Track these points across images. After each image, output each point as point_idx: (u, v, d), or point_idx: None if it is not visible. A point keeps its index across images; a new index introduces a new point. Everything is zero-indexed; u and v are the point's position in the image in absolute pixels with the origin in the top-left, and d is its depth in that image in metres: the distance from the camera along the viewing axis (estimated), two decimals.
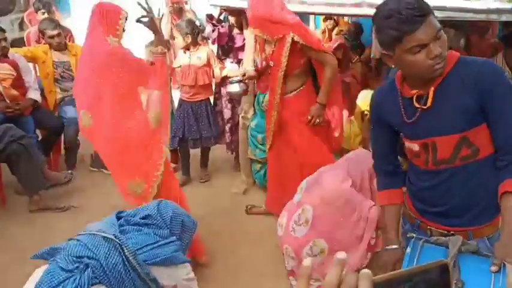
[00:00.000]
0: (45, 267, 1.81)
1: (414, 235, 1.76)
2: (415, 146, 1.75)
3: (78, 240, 1.86)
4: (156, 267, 1.91)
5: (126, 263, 1.80)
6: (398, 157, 2.02)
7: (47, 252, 1.88)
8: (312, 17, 5.48)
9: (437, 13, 2.26)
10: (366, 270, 0.59)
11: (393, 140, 1.90)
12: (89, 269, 1.75)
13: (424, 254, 1.69)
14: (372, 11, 3.09)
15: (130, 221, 2.02)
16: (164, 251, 1.95)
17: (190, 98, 4.34)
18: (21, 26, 6.05)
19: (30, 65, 4.67)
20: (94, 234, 1.86)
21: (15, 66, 4.23)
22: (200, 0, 6.19)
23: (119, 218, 2.05)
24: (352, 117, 4.54)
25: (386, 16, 1.54)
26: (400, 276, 0.61)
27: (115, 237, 1.82)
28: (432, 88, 1.62)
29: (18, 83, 4.26)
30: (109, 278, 1.77)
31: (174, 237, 2.05)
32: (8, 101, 4.12)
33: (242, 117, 4.19)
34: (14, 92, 4.16)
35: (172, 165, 4.68)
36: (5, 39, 4.27)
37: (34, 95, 4.41)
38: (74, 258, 1.78)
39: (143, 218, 2.05)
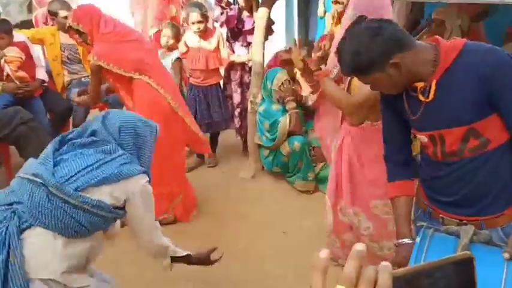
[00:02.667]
0: None
1: (424, 224, 1.73)
2: (423, 138, 1.72)
3: (9, 187, 1.81)
4: (101, 187, 1.79)
5: (51, 197, 1.72)
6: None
7: None
8: (320, 1, 5.36)
9: None
10: (385, 263, 0.56)
11: (404, 128, 1.83)
12: (15, 215, 1.71)
13: (434, 243, 1.65)
14: None
15: (76, 143, 1.89)
16: (107, 169, 1.82)
17: (201, 83, 4.31)
18: (30, 8, 6.01)
19: (38, 47, 4.65)
20: (21, 177, 1.79)
21: (24, 49, 4.22)
22: None
23: (63, 142, 1.92)
24: None
25: None
26: (420, 270, 0.58)
27: (35, 176, 1.74)
28: (434, 80, 1.58)
29: (27, 65, 4.24)
30: (39, 218, 1.71)
31: (121, 150, 1.90)
32: (17, 82, 4.11)
33: (251, 101, 4.16)
34: (23, 74, 4.15)
35: (186, 148, 4.68)
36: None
37: (42, 74, 4.41)
38: (6, 207, 1.75)
39: (91, 135, 1.93)
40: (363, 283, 0.55)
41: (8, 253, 1.65)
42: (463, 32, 3.74)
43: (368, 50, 1.56)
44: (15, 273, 1.65)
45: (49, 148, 1.88)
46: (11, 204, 1.75)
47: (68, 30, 3.29)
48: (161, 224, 2.24)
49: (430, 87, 1.59)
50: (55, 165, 1.81)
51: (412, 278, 0.57)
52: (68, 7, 4.43)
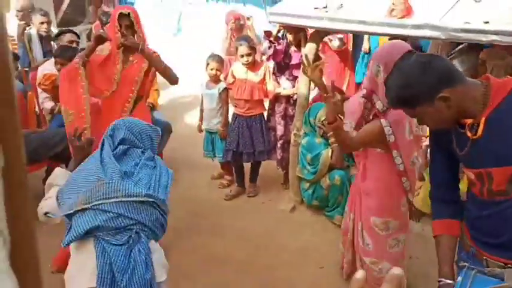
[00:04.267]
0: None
1: (467, 264, 1.67)
2: (470, 175, 1.69)
3: (111, 213, 1.86)
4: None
5: (160, 213, 1.97)
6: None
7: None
8: (366, 37, 5.41)
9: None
10: None
11: (452, 166, 1.82)
12: (138, 234, 1.90)
13: (476, 284, 1.60)
14: (432, 33, 3.11)
15: (117, 153, 2.00)
16: (163, 174, 2.06)
17: (245, 113, 4.39)
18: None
19: None
20: (129, 201, 1.89)
21: None
22: (258, 17, 6.30)
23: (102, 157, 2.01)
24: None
25: None
26: None
27: (148, 196, 1.90)
28: (483, 118, 1.56)
29: None
30: (155, 232, 1.96)
31: (150, 152, 2.10)
32: None
33: (294, 134, 4.19)
34: None
35: (228, 177, 4.75)
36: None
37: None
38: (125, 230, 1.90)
39: (120, 143, 2.04)
40: None
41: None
42: (506, 73, 3.69)
43: (417, 82, 1.58)
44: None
45: (109, 163, 1.94)
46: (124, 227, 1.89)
47: None
48: None
49: (478, 124, 1.58)
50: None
51: None
52: None
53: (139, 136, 2.06)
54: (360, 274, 0.58)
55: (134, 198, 1.85)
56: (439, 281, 1.76)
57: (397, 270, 0.57)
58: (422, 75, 1.57)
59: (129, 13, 3.34)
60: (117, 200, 1.83)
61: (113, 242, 1.82)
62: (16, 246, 0.54)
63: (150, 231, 1.92)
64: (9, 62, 0.53)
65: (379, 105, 2.54)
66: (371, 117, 2.63)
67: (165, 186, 1.99)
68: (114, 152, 2.00)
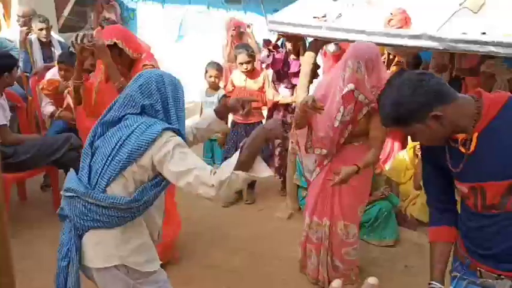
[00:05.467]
0: None
1: (459, 274, 1.68)
2: (463, 188, 1.69)
3: None
4: (123, 172, 1.94)
5: (87, 205, 1.92)
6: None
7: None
8: None
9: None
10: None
11: (445, 179, 1.81)
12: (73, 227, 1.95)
13: None
14: (431, 44, 3.13)
15: (105, 123, 1.99)
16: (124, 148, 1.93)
17: (244, 120, 4.40)
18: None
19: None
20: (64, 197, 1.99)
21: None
22: (258, 25, 6.32)
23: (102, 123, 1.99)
24: (405, 151, 4.44)
25: None
26: None
27: (69, 191, 1.94)
28: (476, 133, 1.57)
29: None
30: (85, 224, 1.93)
31: (141, 118, 1.98)
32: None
33: (292, 142, 4.19)
34: None
35: None
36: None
37: None
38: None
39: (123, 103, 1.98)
40: None
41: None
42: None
43: (409, 101, 1.56)
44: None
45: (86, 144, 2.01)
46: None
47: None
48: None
49: (471, 140, 1.58)
50: (92, 155, 1.95)
51: None
52: None
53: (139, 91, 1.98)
54: (373, 279, 0.59)
55: (65, 194, 1.95)
56: (430, 284, 1.77)
57: (372, 280, 0.58)
58: (414, 93, 1.56)
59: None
60: (63, 194, 1.98)
61: (61, 232, 1.98)
62: None
63: (81, 223, 1.90)
64: None
65: (361, 98, 2.82)
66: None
67: (116, 169, 1.85)
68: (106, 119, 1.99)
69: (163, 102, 1.96)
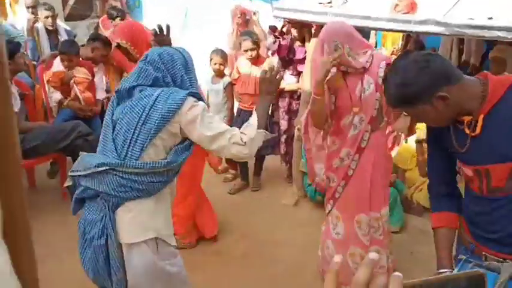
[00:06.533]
0: None
1: (464, 257, 1.69)
2: (468, 171, 1.69)
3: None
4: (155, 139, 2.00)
5: (121, 176, 1.94)
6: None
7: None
8: (373, 33, 5.39)
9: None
10: (397, 273, 0.58)
11: (450, 162, 1.81)
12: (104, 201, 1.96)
13: None
14: (437, 29, 3.11)
15: (122, 93, 2.04)
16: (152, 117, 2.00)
17: (249, 107, 4.41)
18: (97, 30, 6.39)
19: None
20: (85, 175, 1.99)
21: (91, 69, 4.51)
22: (264, 12, 6.28)
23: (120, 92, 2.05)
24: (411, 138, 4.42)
25: None
26: (432, 282, 0.60)
27: (102, 165, 1.93)
28: (481, 115, 1.56)
29: (91, 84, 4.52)
30: (121, 196, 1.95)
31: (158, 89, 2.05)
32: (83, 103, 4.39)
33: (298, 129, 4.19)
34: (89, 95, 4.44)
35: (232, 171, 4.78)
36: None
37: (102, 95, 4.66)
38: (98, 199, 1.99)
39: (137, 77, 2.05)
40: None
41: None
42: None
43: (415, 82, 1.56)
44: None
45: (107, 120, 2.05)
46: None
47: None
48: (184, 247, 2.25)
49: (477, 121, 1.58)
50: (113, 129, 1.98)
51: None
52: None
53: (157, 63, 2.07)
54: (374, 255, 0.60)
55: (89, 171, 1.93)
56: (438, 273, 1.77)
57: (372, 255, 0.59)
58: (420, 74, 1.56)
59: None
60: (81, 173, 1.97)
61: (86, 213, 1.97)
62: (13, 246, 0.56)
63: (116, 198, 1.91)
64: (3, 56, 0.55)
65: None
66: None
67: (148, 137, 1.90)
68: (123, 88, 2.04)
69: (174, 75, 2.05)
